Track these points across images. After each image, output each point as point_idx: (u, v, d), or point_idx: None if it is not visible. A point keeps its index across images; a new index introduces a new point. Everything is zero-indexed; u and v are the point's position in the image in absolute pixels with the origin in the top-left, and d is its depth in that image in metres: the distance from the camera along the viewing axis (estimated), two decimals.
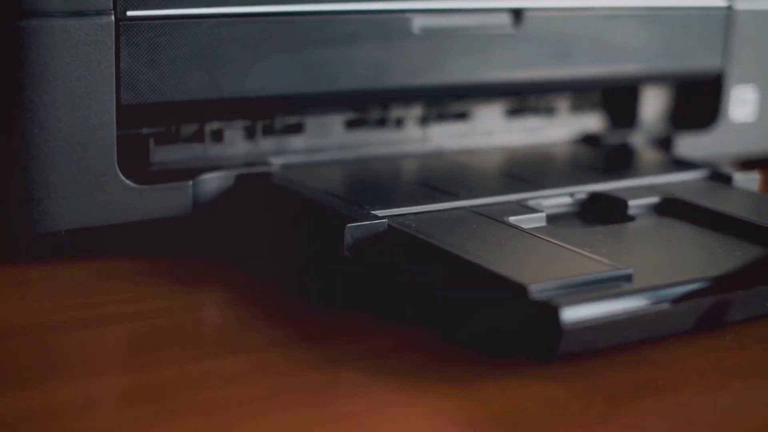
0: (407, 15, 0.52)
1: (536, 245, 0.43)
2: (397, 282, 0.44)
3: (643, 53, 0.59)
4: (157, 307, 0.44)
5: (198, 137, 0.51)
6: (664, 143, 0.62)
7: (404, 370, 0.40)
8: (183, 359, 0.40)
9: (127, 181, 0.47)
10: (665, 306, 0.40)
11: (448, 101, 0.56)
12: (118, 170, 0.47)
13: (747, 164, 0.65)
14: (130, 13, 0.46)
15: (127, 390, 0.38)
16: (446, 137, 0.58)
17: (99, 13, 0.45)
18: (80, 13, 0.45)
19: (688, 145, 0.63)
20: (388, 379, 0.39)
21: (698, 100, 0.63)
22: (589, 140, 0.61)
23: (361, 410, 0.37)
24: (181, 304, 0.45)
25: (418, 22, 0.52)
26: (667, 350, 0.42)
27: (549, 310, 0.38)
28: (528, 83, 0.57)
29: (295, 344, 0.42)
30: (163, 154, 0.51)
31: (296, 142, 0.54)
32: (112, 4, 0.45)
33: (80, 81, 0.45)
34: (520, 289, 0.39)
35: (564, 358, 0.39)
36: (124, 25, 0.46)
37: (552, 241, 0.44)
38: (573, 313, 0.38)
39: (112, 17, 0.45)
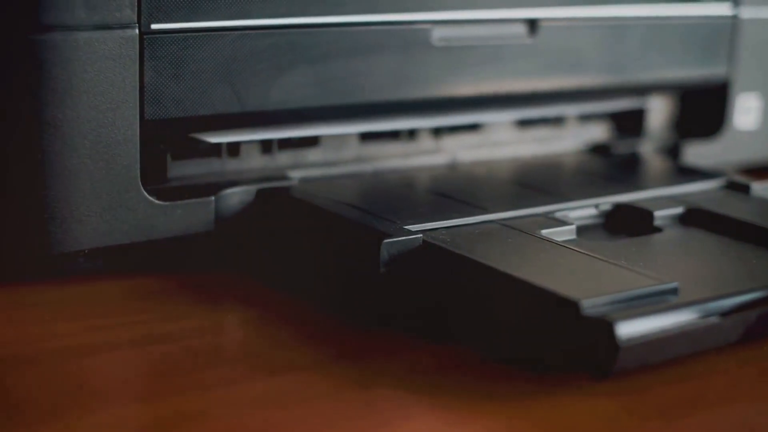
0: (427, 26, 0.51)
1: (576, 259, 0.43)
2: (433, 298, 0.43)
3: (651, 62, 0.59)
4: (189, 326, 0.43)
5: (215, 152, 0.50)
6: (671, 152, 0.62)
7: (450, 388, 0.39)
8: (224, 381, 0.39)
9: (151, 198, 0.46)
10: (716, 319, 0.39)
11: (467, 112, 0.56)
12: (142, 187, 0.46)
13: (750, 172, 0.65)
14: (154, 26, 0.45)
15: (169, 416, 0.37)
16: (459, 148, 0.57)
17: (123, 26, 0.44)
18: (104, 27, 0.44)
19: (693, 153, 0.63)
20: (436, 398, 0.39)
21: (703, 108, 0.63)
22: (599, 150, 0.61)
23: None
24: (213, 323, 0.44)
25: (437, 34, 0.52)
26: (709, 363, 0.41)
27: (604, 326, 0.37)
28: (543, 93, 0.57)
29: (335, 363, 0.41)
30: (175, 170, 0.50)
31: (312, 155, 0.53)
32: (136, 18, 0.44)
33: (104, 96, 0.44)
34: (572, 305, 0.38)
35: (618, 374, 0.38)
36: (148, 38, 0.45)
37: (591, 254, 0.43)
38: (628, 329, 0.37)
39: (137, 30, 0.44)
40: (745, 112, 0.64)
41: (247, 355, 0.42)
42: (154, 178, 0.48)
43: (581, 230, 0.48)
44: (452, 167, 0.56)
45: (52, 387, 0.38)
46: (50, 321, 0.43)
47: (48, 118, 0.43)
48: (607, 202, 0.50)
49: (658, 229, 0.49)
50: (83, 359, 0.41)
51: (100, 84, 0.44)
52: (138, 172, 0.46)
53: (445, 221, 0.46)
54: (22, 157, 0.44)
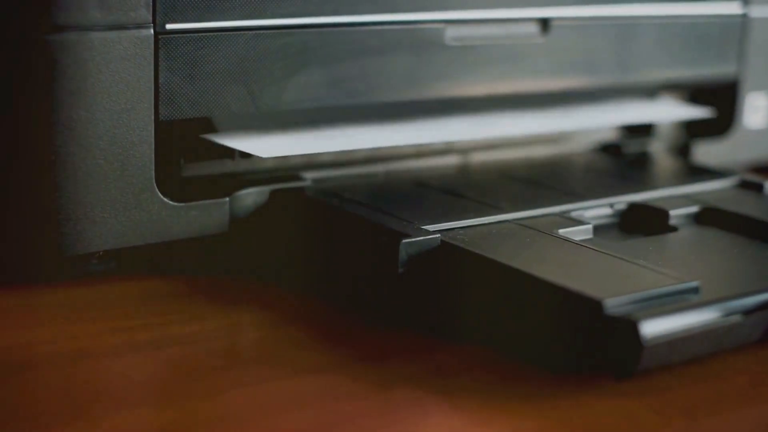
0: (440, 26, 0.51)
1: (596, 259, 0.43)
2: (451, 298, 0.43)
3: (662, 61, 0.59)
4: (207, 328, 0.43)
5: (229, 152, 0.50)
6: (681, 151, 0.62)
7: (471, 389, 0.39)
8: (247, 383, 0.39)
9: (165, 199, 0.46)
10: (737, 318, 0.39)
11: (480, 112, 0.55)
12: (156, 188, 0.45)
13: (759, 171, 0.65)
14: (169, 26, 0.44)
15: (188, 419, 0.36)
16: (470, 148, 0.57)
17: (138, 26, 0.44)
18: (119, 27, 0.43)
19: (702, 152, 0.62)
20: (457, 399, 0.38)
21: (713, 107, 0.63)
22: (610, 149, 0.60)
23: None
24: (231, 324, 0.44)
25: (450, 33, 0.51)
26: (728, 362, 0.41)
27: (628, 325, 0.37)
28: (555, 92, 0.56)
29: (359, 364, 0.41)
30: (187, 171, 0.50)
31: (324, 155, 0.53)
32: (151, 18, 0.44)
33: (119, 97, 0.44)
34: (595, 305, 0.38)
35: (641, 374, 0.38)
36: (163, 38, 0.44)
37: (611, 254, 0.43)
38: (652, 328, 0.37)
39: (152, 30, 0.44)
40: (754, 111, 0.63)
41: (266, 356, 0.41)
42: (168, 179, 0.48)
43: (597, 230, 0.47)
44: (464, 167, 0.56)
45: (70, 389, 0.38)
46: (66, 323, 0.43)
47: (62, 119, 0.43)
48: (621, 201, 0.50)
49: (674, 228, 0.49)
50: (101, 361, 0.40)
51: (115, 84, 0.44)
52: (153, 173, 0.45)
53: (461, 221, 0.46)
54: (36, 158, 0.43)
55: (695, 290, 0.40)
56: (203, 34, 0.45)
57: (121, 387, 0.39)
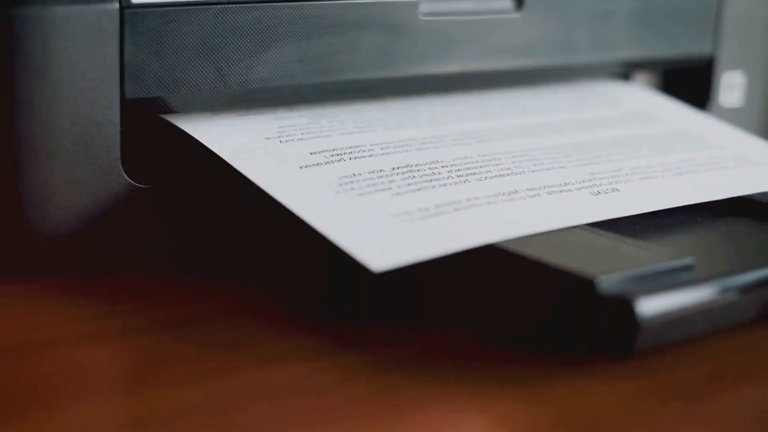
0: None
1: (584, 237, 0.41)
2: (433, 282, 0.41)
3: (637, 38, 0.58)
4: (178, 316, 0.41)
5: None
6: None
7: (462, 375, 0.38)
8: (226, 370, 0.37)
9: (131, 181, 0.44)
10: (734, 295, 0.38)
11: (456, 91, 0.54)
12: (122, 169, 0.43)
13: None
14: (135, 0, 0.42)
15: (178, 408, 0.35)
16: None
17: (103, 0, 0.42)
18: (83, 0, 0.41)
19: None
20: (451, 384, 0.37)
21: (687, 86, 0.62)
22: None
23: (431, 420, 0.35)
24: (200, 313, 0.42)
25: (424, 8, 0.50)
26: (723, 342, 0.40)
27: (622, 304, 0.36)
28: (530, 70, 0.55)
29: (339, 351, 0.39)
30: None
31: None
32: None
33: (83, 74, 0.42)
34: (587, 283, 0.36)
35: (636, 355, 0.36)
36: (128, 12, 0.42)
37: (598, 232, 0.41)
38: (648, 306, 0.36)
39: (117, 4, 0.42)
40: (729, 89, 0.62)
41: (247, 344, 0.39)
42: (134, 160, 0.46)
43: None
44: None
45: (31, 380, 0.36)
46: (33, 313, 0.41)
47: (23, 98, 0.41)
48: None
49: None
50: (67, 351, 0.39)
51: (79, 61, 0.42)
52: (119, 153, 0.43)
53: None
54: None
55: (690, 268, 0.39)
56: (170, 8, 0.43)
57: (89, 376, 0.37)
